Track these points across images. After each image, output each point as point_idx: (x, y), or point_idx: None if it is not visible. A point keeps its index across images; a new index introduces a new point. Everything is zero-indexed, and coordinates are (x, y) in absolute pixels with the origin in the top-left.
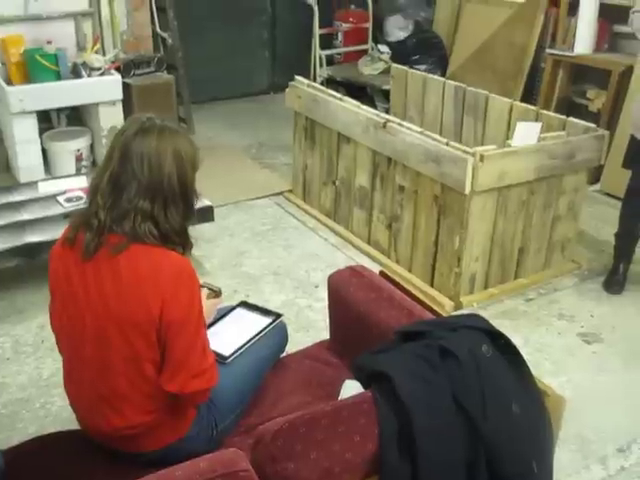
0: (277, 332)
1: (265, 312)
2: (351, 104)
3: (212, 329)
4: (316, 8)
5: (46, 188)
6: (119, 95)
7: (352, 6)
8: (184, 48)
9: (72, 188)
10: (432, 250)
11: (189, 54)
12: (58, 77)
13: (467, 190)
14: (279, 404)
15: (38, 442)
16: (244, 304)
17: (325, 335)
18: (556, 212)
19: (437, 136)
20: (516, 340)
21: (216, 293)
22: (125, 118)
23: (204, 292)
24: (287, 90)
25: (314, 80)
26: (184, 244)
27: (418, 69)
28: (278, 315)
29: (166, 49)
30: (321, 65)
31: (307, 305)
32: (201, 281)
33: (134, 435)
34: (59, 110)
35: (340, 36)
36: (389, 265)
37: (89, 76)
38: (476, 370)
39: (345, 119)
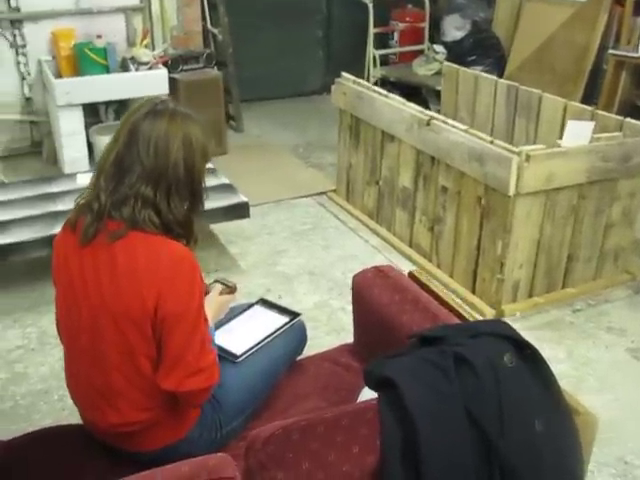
0: (294, 332)
1: (283, 311)
2: (396, 101)
3: (226, 326)
4: (371, 7)
5: (84, 180)
6: (165, 90)
7: (409, 5)
8: (236, 46)
9: None
10: (474, 255)
11: (242, 52)
12: (107, 71)
13: (511, 192)
14: (292, 408)
15: (32, 436)
16: (262, 301)
17: None
18: (609, 219)
19: (482, 134)
20: (559, 353)
21: (230, 289)
22: None
23: (217, 287)
24: (333, 87)
25: (367, 80)
26: (188, 236)
27: (474, 70)
28: (296, 314)
29: (217, 46)
30: (375, 65)
31: (340, 307)
32: (216, 277)
33: (131, 433)
34: (107, 104)
35: (396, 36)
36: (430, 269)
37: (137, 70)
38: (494, 381)
39: (389, 116)
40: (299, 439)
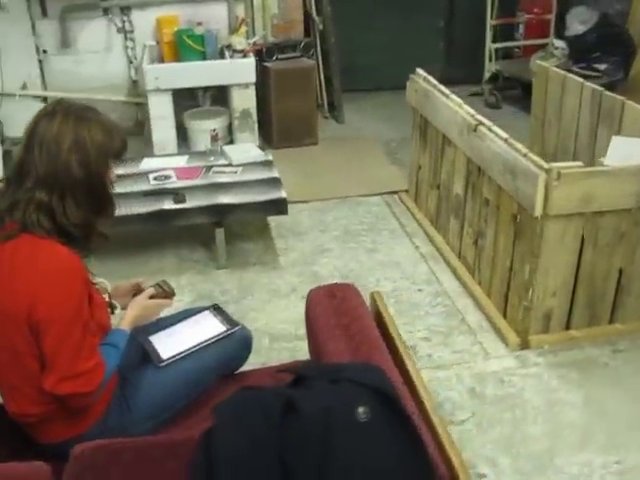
0: (232, 343)
1: (229, 321)
2: (454, 102)
3: (170, 329)
4: None
5: (148, 164)
6: (252, 78)
7: None
8: (349, 34)
9: (166, 167)
10: (507, 276)
11: (355, 40)
12: (203, 57)
13: (537, 212)
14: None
15: None
16: (214, 308)
17: None
18: None
19: (519, 145)
20: (576, 397)
21: (166, 293)
22: (260, 101)
23: (148, 291)
24: (407, 83)
25: (480, 75)
26: (87, 239)
27: (596, 69)
28: (235, 325)
29: (320, 34)
30: (491, 59)
31: None
32: (159, 279)
33: (30, 424)
34: (205, 89)
35: (521, 28)
36: (471, 286)
37: (231, 58)
38: (324, 432)
39: (447, 118)
40: (105, 461)
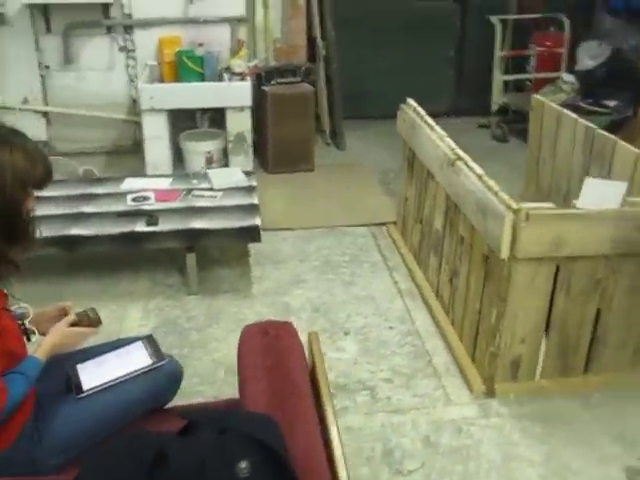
0: (160, 377)
1: (157, 354)
2: (436, 135)
3: (98, 358)
4: (499, 27)
5: (130, 184)
6: (247, 102)
7: (551, 28)
8: (359, 60)
9: (147, 188)
10: (476, 319)
11: (363, 67)
12: (202, 79)
13: (504, 254)
14: None
15: None
16: (147, 339)
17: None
18: None
19: (492, 183)
20: (535, 455)
21: (91, 322)
22: (256, 125)
23: (69, 318)
24: (398, 112)
25: (489, 107)
26: None
27: (605, 105)
28: (162, 359)
29: (324, 60)
30: (500, 91)
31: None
32: (87, 307)
33: None
34: (203, 111)
35: (532, 60)
36: (444, 326)
37: (229, 80)
38: None
39: (429, 151)
40: None
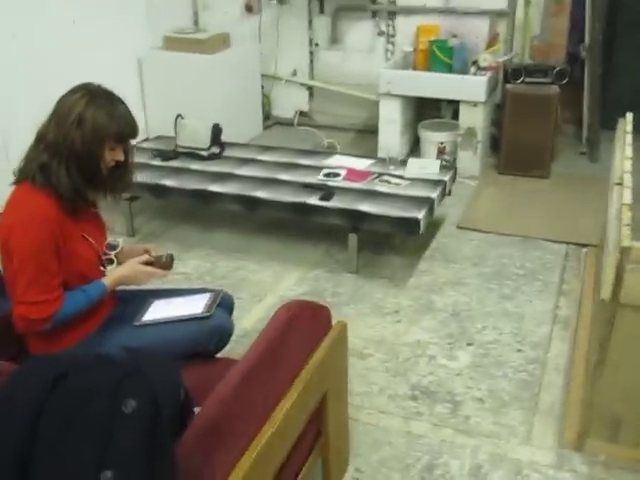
0: (203, 328)
1: (210, 308)
2: None
3: (171, 299)
4: None
5: (334, 160)
6: (481, 97)
7: None
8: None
9: (344, 166)
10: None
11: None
12: (450, 70)
13: (605, 295)
14: None
15: None
16: (215, 294)
17: None
18: None
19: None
20: None
21: (162, 265)
22: (497, 123)
23: (143, 257)
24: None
25: None
26: (74, 202)
27: None
28: (207, 313)
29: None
30: None
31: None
32: (169, 252)
33: (22, 335)
34: (448, 102)
35: None
36: (577, 365)
37: (474, 74)
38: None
39: None
40: None
